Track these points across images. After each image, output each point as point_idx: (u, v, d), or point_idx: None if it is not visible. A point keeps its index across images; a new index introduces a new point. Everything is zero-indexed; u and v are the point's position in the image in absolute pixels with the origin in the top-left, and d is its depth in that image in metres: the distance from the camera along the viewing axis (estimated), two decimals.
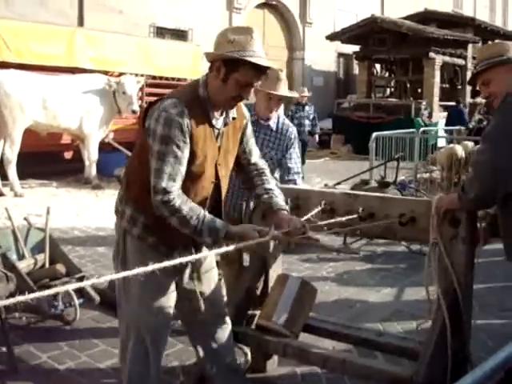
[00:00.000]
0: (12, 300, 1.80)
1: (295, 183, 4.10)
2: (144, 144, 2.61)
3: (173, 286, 2.81)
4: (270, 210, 2.91)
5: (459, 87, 21.62)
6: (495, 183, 2.69)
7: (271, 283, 3.37)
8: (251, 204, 3.95)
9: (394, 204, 3.06)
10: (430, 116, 18.62)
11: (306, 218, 2.91)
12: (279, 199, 2.90)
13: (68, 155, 11.29)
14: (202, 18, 16.99)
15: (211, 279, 2.98)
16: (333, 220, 3.04)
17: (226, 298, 3.09)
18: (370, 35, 19.99)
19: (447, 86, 21.47)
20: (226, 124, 2.73)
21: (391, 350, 3.19)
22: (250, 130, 2.93)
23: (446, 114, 19.80)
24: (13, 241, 4.50)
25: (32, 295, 1.81)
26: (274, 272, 3.43)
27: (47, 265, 4.46)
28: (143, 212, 2.67)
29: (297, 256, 6.27)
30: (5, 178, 9.03)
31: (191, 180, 2.62)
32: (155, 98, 2.74)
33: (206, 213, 2.58)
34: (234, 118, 2.77)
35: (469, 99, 20.69)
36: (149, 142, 2.56)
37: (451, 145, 11.39)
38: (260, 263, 3.41)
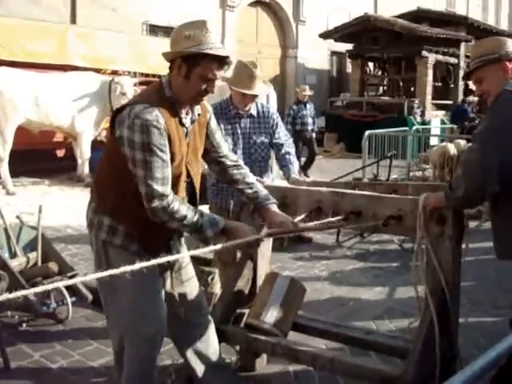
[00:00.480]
0: (2, 297, 1.80)
1: (292, 155, 4.19)
2: (116, 153, 2.58)
3: (162, 291, 2.80)
4: (258, 206, 2.94)
5: (452, 86, 21.67)
6: (484, 182, 2.70)
7: (260, 282, 3.37)
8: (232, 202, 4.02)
9: (381, 202, 3.07)
10: (422, 114, 18.64)
11: (298, 219, 2.94)
12: (264, 192, 2.95)
13: (60, 153, 11.25)
14: (195, 15, 16.83)
15: (190, 280, 2.98)
16: (325, 220, 3.06)
17: (204, 298, 3.10)
18: (363, 34, 19.96)
19: (440, 84, 21.49)
20: (192, 121, 2.73)
21: (380, 348, 3.21)
22: (214, 123, 2.94)
23: (439, 112, 19.88)
24: (5, 239, 4.49)
25: (21, 292, 1.80)
26: (263, 270, 3.44)
27: (39, 263, 4.45)
28: (123, 221, 2.65)
29: (289, 254, 6.29)
30: None
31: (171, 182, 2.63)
32: None
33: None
34: (199, 115, 2.77)
35: (461, 98, 20.72)
36: (124, 151, 2.53)
37: (444, 143, 11.43)
38: (248, 262, 3.41)
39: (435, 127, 17.51)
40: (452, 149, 10.69)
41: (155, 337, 2.75)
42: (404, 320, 4.38)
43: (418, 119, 17.87)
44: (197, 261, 3.89)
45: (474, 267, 5.82)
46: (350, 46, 20.85)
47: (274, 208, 2.93)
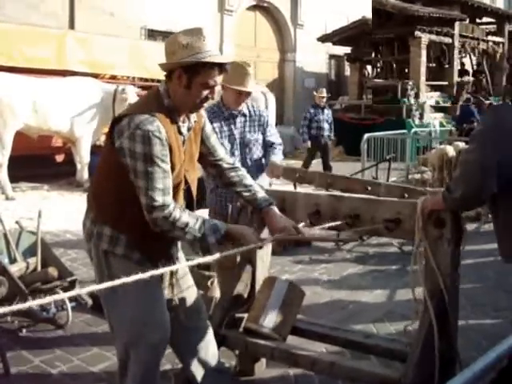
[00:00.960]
0: (6, 309, 1.79)
1: (279, 150, 4.28)
2: (115, 163, 2.56)
3: (164, 298, 2.79)
4: (258, 208, 2.94)
5: (446, 66, 21.31)
6: (482, 182, 2.70)
7: (258, 286, 3.37)
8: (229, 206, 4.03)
9: (380, 206, 3.07)
10: (416, 96, 18.46)
11: (301, 225, 2.95)
12: (263, 194, 2.94)
13: (59, 158, 11.26)
14: (194, 20, 16.94)
15: (188, 285, 2.97)
16: (327, 225, 3.07)
17: (202, 302, 3.10)
18: (361, 37, 19.98)
19: (434, 65, 21.18)
20: (189, 129, 2.73)
21: (380, 352, 3.20)
22: (208, 127, 2.93)
23: (434, 94, 19.67)
24: (4, 244, 4.48)
25: (27, 304, 1.81)
26: (262, 275, 3.43)
27: (39, 268, 4.45)
28: (124, 230, 2.64)
29: (289, 258, 6.29)
30: None
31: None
32: None
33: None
34: (195, 121, 2.77)
35: (456, 78, 20.61)
36: (124, 162, 2.52)
37: (442, 145, 11.45)
38: (247, 266, 3.41)
39: (434, 129, 17.47)
40: (451, 151, 10.70)
41: (160, 344, 2.74)
42: (404, 323, 4.35)
43: (417, 121, 17.84)
44: (197, 265, 3.88)
45: (474, 269, 5.83)
46: (348, 50, 20.85)
47: (275, 210, 2.92)
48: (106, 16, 14.76)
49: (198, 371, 2.96)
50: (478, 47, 22.58)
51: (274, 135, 4.33)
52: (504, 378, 2.85)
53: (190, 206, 2.80)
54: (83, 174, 9.97)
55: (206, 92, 2.59)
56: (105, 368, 3.72)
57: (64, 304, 4.17)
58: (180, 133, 2.66)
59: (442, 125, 18.76)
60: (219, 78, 2.61)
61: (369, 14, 19.73)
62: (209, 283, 4.25)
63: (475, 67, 23.59)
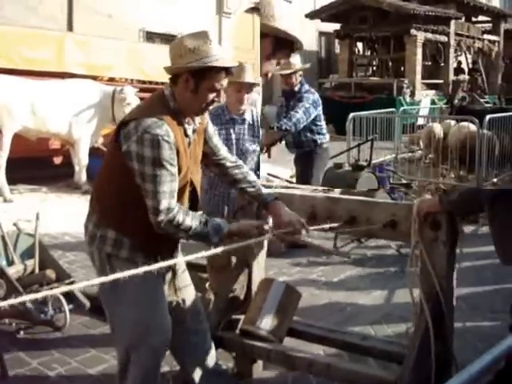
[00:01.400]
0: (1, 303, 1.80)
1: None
2: (120, 167, 2.57)
3: (166, 300, 2.80)
4: (264, 202, 2.98)
5: (442, 64, 21.40)
6: (479, 188, 2.71)
7: (254, 287, 3.38)
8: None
9: (376, 208, 3.07)
10: (412, 94, 18.46)
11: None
12: (267, 190, 3.01)
13: (58, 160, 11.23)
14: (192, 22, 16.92)
15: (187, 287, 2.98)
16: (326, 226, 3.08)
17: (201, 304, 3.11)
18: (350, 13, 19.78)
19: (430, 63, 21.25)
20: (194, 131, 2.75)
21: (376, 354, 3.22)
22: (211, 128, 2.96)
23: (429, 92, 19.65)
24: (2, 246, 4.49)
25: (20, 299, 1.81)
26: (258, 276, 3.44)
27: (37, 270, 4.45)
28: (129, 234, 2.65)
29: (287, 260, 6.28)
30: None
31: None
32: None
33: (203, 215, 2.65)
34: (199, 124, 2.79)
35: (452, 77, 20.61)
36: (131, 166, 2.53)
37: (430, 124, 11.41)
38: (243, 267, 3.42)
39: (424, 107, 17.29)
40: (438, 129, 10.69)
41: (161, 347, 2.74)
42: (402, 325, 4.38)
43: (408, 99, 17.69)
44: (194, 267, 3.89)
45: (472, 271, 5.84)
46: (338, 26, 20.53)
47: (281, 204, 2.96)
48: (105, 18, 14.76)
49: (196, 373, 2.96)
50: (474, 46, 22.66)
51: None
52: (501, 380, 2.86)
53: (194, 206, 2.83)
54: (81, 176, 9.95)
55: (212, 95, 2.61)
56: (103, 370, 3.72)
57: (62, 306, 4.17)
58: (186, 135, 2.67)
59: (433, 102, 18.67)
60: (225, 81, 2.64)
61: None
62: (207, 285, 4.25)
63: (471, 66, 23.64)
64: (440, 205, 2.80)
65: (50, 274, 4.37)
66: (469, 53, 23.29)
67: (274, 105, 18.83)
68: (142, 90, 11.43)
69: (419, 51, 19.36)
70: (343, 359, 3.61)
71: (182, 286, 2.95)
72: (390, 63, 20.88)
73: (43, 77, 10.04)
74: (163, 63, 2.73)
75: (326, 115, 15.12)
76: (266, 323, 3.11)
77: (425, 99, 18.73)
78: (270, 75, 2.59)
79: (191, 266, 3.16)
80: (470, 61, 23.92)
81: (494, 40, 24.05)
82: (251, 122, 4.18)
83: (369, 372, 2.87)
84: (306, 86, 6.17)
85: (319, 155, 6.14)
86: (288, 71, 6.05)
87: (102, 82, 10.67)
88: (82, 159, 9.90)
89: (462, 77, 18.46)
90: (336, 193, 3.50)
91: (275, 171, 7.47)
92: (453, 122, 10.92)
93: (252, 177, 3.03)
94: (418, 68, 19.41)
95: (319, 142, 6.10)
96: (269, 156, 6.20)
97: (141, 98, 11.00)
